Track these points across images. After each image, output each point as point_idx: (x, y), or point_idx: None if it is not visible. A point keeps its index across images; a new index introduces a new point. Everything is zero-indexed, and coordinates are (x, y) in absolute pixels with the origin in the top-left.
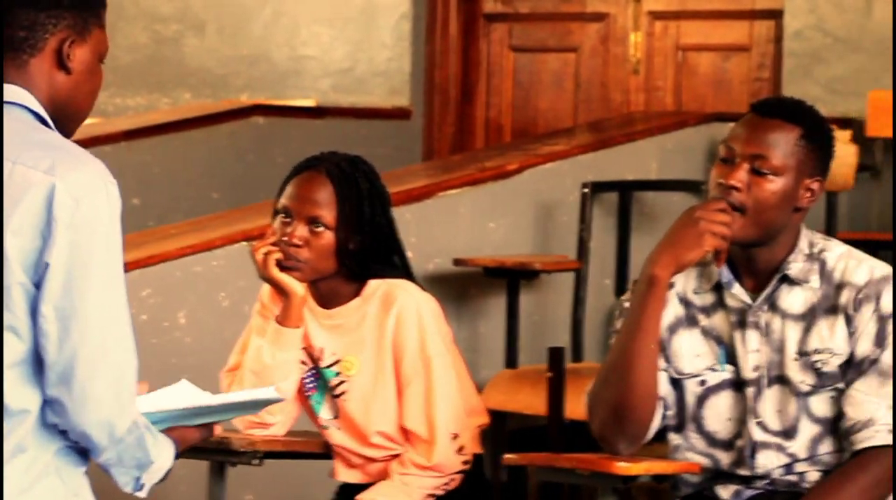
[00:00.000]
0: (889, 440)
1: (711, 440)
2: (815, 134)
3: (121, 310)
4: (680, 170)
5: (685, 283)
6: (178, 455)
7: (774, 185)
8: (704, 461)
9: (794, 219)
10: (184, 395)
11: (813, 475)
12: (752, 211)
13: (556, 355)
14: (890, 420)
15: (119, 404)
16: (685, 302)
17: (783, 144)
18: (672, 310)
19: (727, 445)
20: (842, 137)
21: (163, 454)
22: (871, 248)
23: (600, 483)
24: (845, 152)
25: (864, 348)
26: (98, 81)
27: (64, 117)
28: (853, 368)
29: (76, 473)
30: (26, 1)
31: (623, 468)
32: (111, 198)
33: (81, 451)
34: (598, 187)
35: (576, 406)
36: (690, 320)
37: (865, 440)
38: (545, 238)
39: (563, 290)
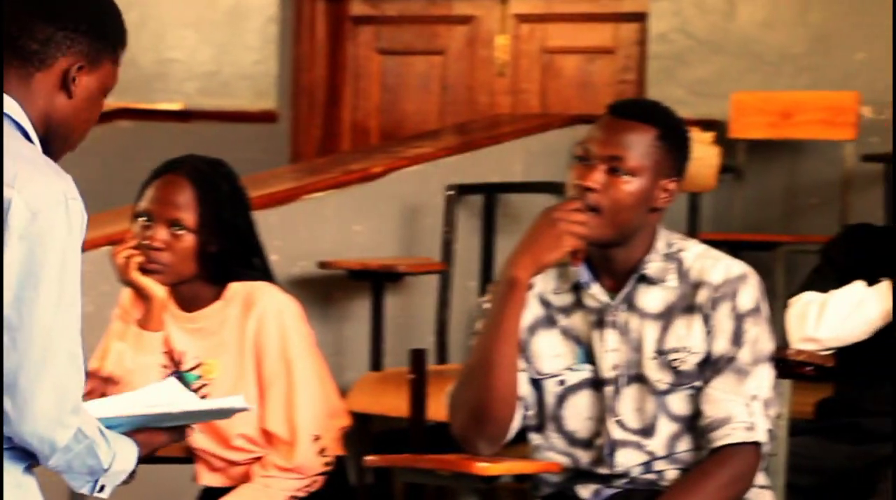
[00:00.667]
0: (746, 438)
1: (571, 439)
2: (672, 134)
3: (70, 326)
4: (545, 172)
5: (544, 284)
6: (144, 459)
7: (631, 186)
8: (565, 461)
9: (651, 219)
10: (161, 396)
11: (671, 472)
12: (608, 212)
13: (417, 356)
14: (747, 418)
15: (59, 418)
16: (544, 303)
17: (639, 145)
18: (531, 311)
19: (587, 444)
20: (704, 139)
21: (120, 458)
22: (734, 248)
23: (461, 484)
24: (708, 154)
25: (721, 346)
26: (96, 113)
27: (55, 138)
28: (710, 366)
29: (19, 468)
30: (47, 15)
31: (483, 468)
32: (71, 214)
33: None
34: (463, 190)
35: (440, 408)
36: (549, 321)
37: (723, 437)
38: (410, 241)
39: (427, 292)
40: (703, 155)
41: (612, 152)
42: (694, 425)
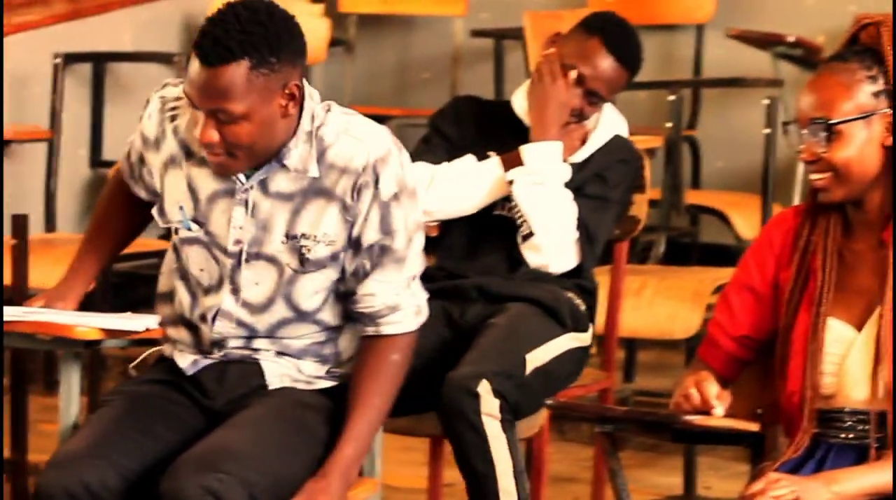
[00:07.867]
0: (417, 323)
1: (196, 283)
2: (263, 56)
3: None
4: (154, 42)
5: (189, 131)
6: None
7: (246, 127)
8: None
9: (290, 109)
10: None
11: (268, 353)
12: (245, 150)
13: (18, 222)
14: (411, 301)
15: None
16: (183, 144)
17: (238, 85)
18: (170, 145)
19: (207, 291)
20: (313, 12)
21: None
22: None
23: (63, 348)
24: (317, 26)
25: (372, 236)
26: None
27: None
28: (364, 255)
29: None
30: None
31: (83, 332)
32: None
33: None
34: (71, 58)
35: (42, 275)
36: (175, 162)
37: (393, 323)
38: (18, 108)
39: (36, 160)
40: (313, 28)
41: (214, 105)
42: (302, 312)
